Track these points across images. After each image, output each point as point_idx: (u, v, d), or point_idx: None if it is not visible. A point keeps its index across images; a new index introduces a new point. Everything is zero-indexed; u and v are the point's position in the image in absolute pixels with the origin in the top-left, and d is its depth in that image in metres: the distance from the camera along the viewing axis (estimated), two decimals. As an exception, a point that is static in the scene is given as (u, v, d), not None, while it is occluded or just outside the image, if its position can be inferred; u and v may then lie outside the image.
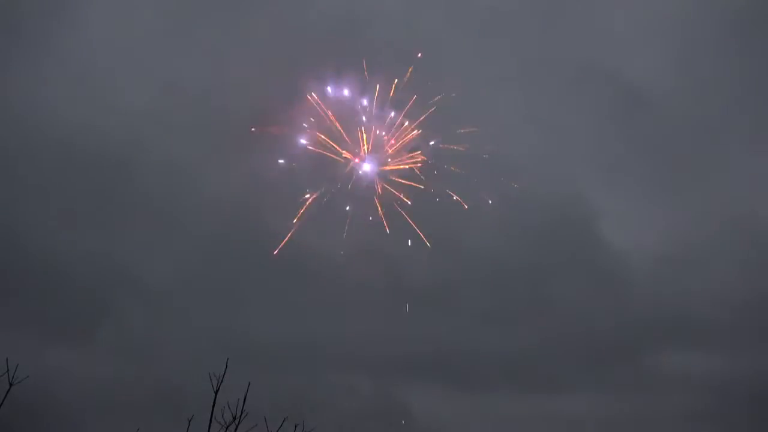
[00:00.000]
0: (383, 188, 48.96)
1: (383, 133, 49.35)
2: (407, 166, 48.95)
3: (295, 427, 15.07)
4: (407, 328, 51.18)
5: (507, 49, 53.52)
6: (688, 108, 55.18)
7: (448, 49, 52.12)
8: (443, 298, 53.26)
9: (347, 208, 49.56)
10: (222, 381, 14.44)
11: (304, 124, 49.54)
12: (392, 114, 49.26)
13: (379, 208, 48.95)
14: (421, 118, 49.27)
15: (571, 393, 53.67)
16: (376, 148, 49.74)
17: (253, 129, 48.95)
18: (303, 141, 49.29)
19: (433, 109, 49.11)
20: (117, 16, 52.43)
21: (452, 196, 49.48)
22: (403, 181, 49.19)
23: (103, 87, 51.68)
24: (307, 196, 48.94)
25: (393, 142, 49.18)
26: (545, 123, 55.04)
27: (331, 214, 49.88)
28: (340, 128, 48.95)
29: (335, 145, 49.35)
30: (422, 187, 49.02)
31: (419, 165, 49.00)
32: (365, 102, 49.11)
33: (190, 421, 14.31)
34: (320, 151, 49.27)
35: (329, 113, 48.91)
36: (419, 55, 49.50)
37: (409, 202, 48.79)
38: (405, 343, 51.33)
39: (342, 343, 50.31)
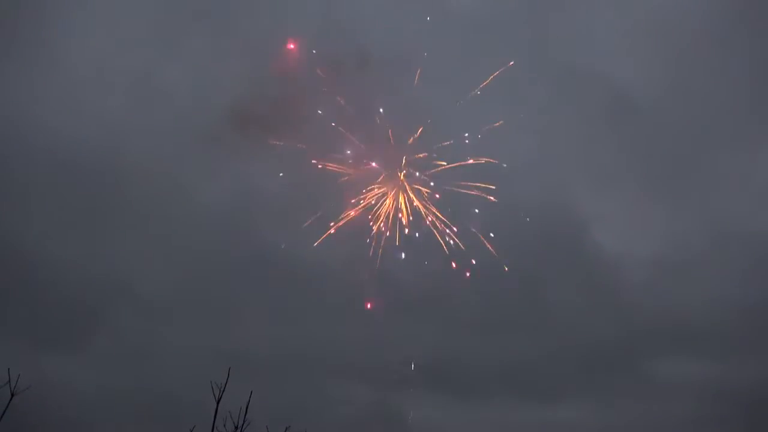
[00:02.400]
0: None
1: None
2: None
3: (297, 435, 15.08)
4: (405, 337, 51.11)
5: (495, 55, 53.44)
6: (681, 112, 55.30)
7: (432, 53, 52.12)
8: (440, 306, 53.19)
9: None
10: (224, 390, 14.46)
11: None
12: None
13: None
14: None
15: (569, 401, 53.64)
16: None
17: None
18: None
19: (424, 118, 49.28)
20: (100, 22, 52.33)
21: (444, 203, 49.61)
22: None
23: (88, 94, 51.38)
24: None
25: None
26: (535, 129, 54.97)
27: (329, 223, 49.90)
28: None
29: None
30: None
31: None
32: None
33: (192, 431, 14.33)
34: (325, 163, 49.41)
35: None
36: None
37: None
38: (403, 352, 51.25)
39: (340, 351, 50.21)
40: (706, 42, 53.11)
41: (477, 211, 49.70)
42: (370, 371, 50.50)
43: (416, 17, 51.91)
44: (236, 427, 13.97)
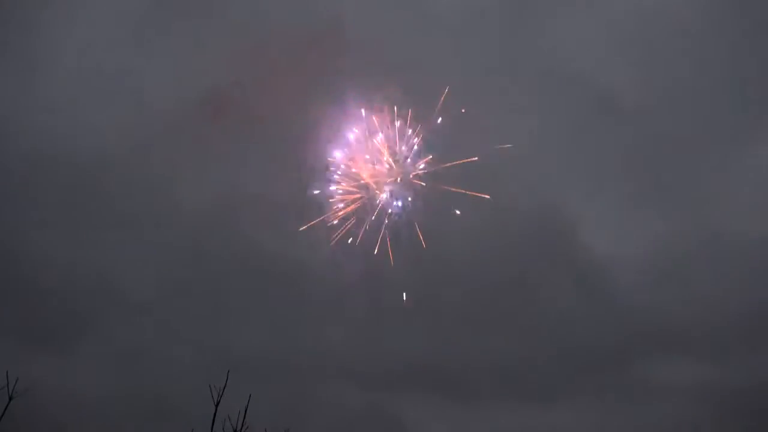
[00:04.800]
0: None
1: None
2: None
3: (297, 438, 15.13)
4: (397, 340, 51.17)
5: (478, 53, 53.55)
6: (669, 113, 55.22)
7: (417, 54, 52.20)
8: (432, 308, 53.26)
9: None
10: (222, 393, 14.49)
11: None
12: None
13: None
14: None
15: (563, 402, 53.62)
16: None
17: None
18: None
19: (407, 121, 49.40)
20: (86, 27, 52.22)
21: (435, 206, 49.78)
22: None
23: (70, 96, 50.91)
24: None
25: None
26: (521, 130, 55.04)
27: (325, 227, 49.94)
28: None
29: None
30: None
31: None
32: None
33: (191, 434, 14.35)
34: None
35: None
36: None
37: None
38: (397, 355, 51.30)
39: (337, 354, 50.16)
40: (694, 43, 53.49)
41: (458, 212, 49.71)
42: (367, 374, 50.59)
43: (396, 12, 52.04)
44: (235, 430, 13.99)
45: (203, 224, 51.80)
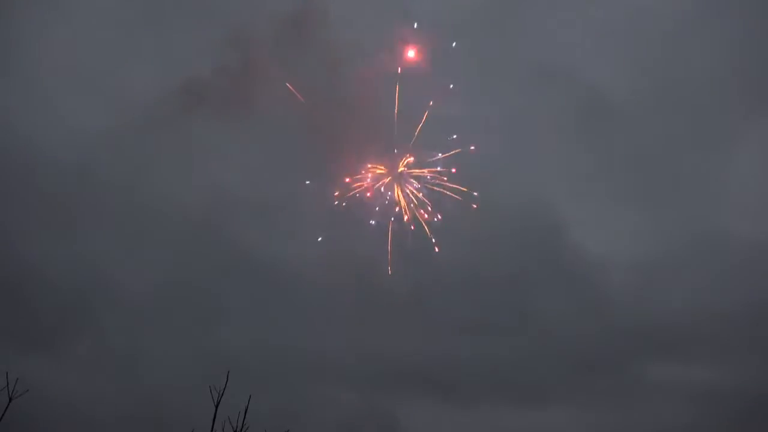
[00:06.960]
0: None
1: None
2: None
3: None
4: (392, 341, 51.17)
5: (466, 54, 53.38)
6: (659, 114, 55.61)
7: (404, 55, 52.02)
8: (425, 310, 53.25)
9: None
10: (222, 394, 14.48)
11: None
12: None
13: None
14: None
15: (557, 403, 53.85)
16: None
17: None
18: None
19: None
20: (72, 32, 52.05)
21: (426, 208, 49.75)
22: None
23: (59, 99, 50.88)
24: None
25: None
26: (511, 132, 54.97)
27: (318, 229, 49.88)
28: None
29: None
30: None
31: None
32: None
33: (191, 434, 14.34)
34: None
35: None
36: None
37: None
38: (392, 356, 51.33)
39: (330, 357, 50.17)
40: (682, 43, 53.62)
41: (439, 217, 49.63)
42: (365, 375, 50.63)
43: (388, 18, 51.83)
44: (235, 431, 13.98)
45: (199, 224, 51.78)
